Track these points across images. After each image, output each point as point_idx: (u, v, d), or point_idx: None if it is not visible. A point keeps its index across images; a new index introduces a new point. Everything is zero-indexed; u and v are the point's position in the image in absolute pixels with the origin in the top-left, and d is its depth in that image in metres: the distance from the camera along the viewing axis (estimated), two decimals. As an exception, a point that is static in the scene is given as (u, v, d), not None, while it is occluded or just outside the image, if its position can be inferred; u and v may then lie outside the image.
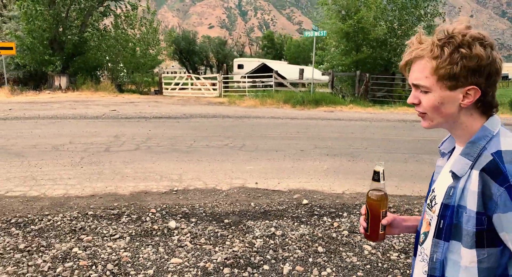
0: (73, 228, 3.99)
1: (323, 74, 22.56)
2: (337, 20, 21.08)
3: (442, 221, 1.06)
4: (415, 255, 1.25)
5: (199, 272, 3.14)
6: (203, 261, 3.31)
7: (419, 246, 1.20)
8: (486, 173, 0.97)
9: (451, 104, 1.04)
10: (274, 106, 16.21)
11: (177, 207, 4.66)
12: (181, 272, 3.14)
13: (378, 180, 1.24)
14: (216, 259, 3.33)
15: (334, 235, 3.84)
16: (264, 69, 28.42)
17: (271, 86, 21.47)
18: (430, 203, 1.15)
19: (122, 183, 5.61)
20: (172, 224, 4.09)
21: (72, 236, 3.81)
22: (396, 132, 9.84)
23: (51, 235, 3.84)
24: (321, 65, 24.59)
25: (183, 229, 3.99)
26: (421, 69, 1.04)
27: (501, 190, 0.95)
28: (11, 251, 3.45)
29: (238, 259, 3.32)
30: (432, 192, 1.16)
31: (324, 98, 16.18)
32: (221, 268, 3.19)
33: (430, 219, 1.14)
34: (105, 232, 3.91)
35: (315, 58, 21.80)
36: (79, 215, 4.34)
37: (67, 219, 4.20)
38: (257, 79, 23.95)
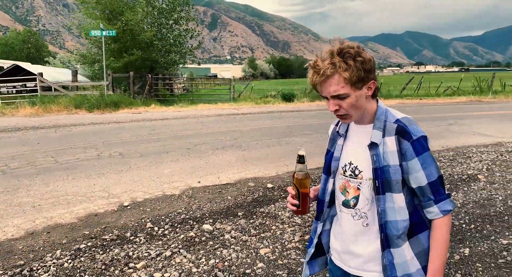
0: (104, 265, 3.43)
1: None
2: (104, 21, 20.41)
3: (376, 181, 1.36)
4: (317, 219, 1.61)
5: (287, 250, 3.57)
6: (276, 245, 3.71)
7: (351, 209, 1.46)
8: (399, 135, 1.35)
9: (362, 99, 1.36)
10: (66, 112, 14.57)
11: (163, 217, 4.49)
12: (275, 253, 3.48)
13: (303, 162, 1.45)
14: (290, 240, 3.78)
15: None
16: (15, 72, 24.05)
17: (30, 90, 18.64)
18: (352, 173, 1.44)
19: (50, 212, 4.70)
20: (208, 227, 4.08)
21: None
22: (232, 125, 11.17)
23: None
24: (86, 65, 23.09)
25: (220, 228, 4.07)
26: (336, 83, 1.30)
27: (408, 144, 1.34)
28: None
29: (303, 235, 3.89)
30: (349, 164, 1.45)
31: (122, 100, 15.73)
32: (297, 245, 3.72)
33: (359, 185, 1.42)
34: (153, 253, 3.57)
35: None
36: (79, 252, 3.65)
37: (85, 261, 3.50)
38: (11, 84, 20.22)
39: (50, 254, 3.61)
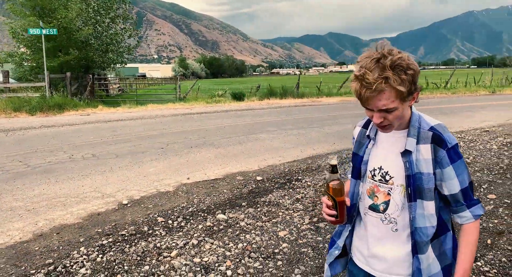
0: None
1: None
2: (35, 18, 19.20)
3: (409, 188, 1.36)
4: (350, 222, 1.56)
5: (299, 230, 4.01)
6: (286, 229, 4.14)
7: (380, 213, 1.44)
8: (435, 144, 1.34)
9: (407, 109, 1.35)
10: (4, 116, 13.62)
11: (169, 211, 4.69)
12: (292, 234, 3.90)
13: (336, 172, 1.40)
14: (301, 222, 4.22)
15: (322, 187, 5.34)
16: None
17: None
18: (382, 178, 1.41)
19: (49, 214, 4.68)
20: (222, 216, 4.36)
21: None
22: (193, 124, 11.30)
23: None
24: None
25: (233, 217, 4.38)
26: (386, 98, 1.25)
27: (444, 152, 1.33)
28: None
29: (312, 219, 4.35)
30: (379, 169, 1.42)
31: (66, 102, 15.00)
32: (305, 228, 4.17)
33: (389, 190, 1.41)
34: (177, 243, 3.79)
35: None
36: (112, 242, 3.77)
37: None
38: None
39: (75, 252, 3.67)
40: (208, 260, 3.42)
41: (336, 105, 16.50)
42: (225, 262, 3.38)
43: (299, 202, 4.82)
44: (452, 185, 1.36)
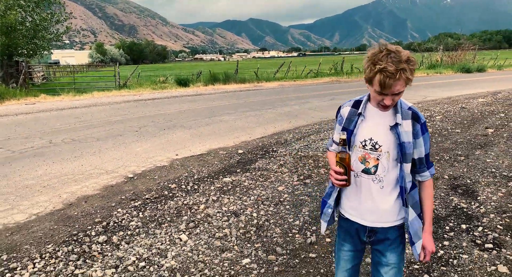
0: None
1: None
2: None
3: (398, 153, 1.74)
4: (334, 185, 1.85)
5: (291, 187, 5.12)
6: (283, 185, 5.22)
7: (372, 175, 1.78)
8: (414, 119, 1.75)
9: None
10: None
11: (177, 180, 5.48)
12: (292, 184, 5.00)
13: (346, 145, 1.74)
14: (291, 180, 5.31)
15: (297, 155, 6.46)
16: None
17: None
18: (373, 147, 1.76)
19: (67, 188, 5.28)
20: (227, 179, 5.29)
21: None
22: (152, 109, 11.76)
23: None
24: None
25: (235, 179, 5.33)
26: (401, 84, 1.60)
27: (419, 126, 1.75)
28: (203, 224, 3.88)
29: (300, 177, 5.46)
30: (370, 140, 1.77)
31: (6, 92, 14.37)
32: (296, 184, 5.29)
33: (378, 156, 1.76)
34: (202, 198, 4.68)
35: None
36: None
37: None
38: None
39: (115, 212, 4.37)
40: (233, 209, 4.36)
41: (278, 89, 17.80)
42: (247, 209, 4.34)
43: (283, 166, 5.89)
44: (421, 151, 1.77)
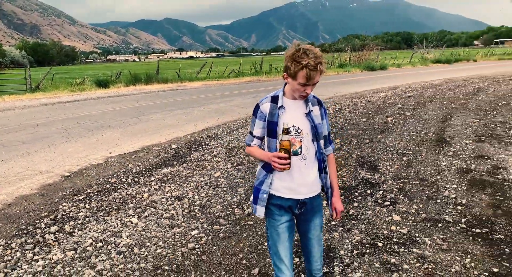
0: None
1: None
2: None
3: (314, 133, 2.06)
4: (268, 171, 2.08)
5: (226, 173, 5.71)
6: (217, 172, 5.79)
7: (299, 155, 2.04)
8: (319, 105, 2.11)
9: None
10: None
11: (115, 175, 5.77)
12: (224, 170, 5.58)
13: (288, 133, 1.99)
14: (226, 168, 5.88)
15: (228, 146, 7.03)
16: None
17: None
18: (296, 132, 2.02)
19: (8, 188, 5.32)
20: (166, 170, 5.69)
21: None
22: (75, 111, 11.48)
23: (131, 201, 4.58)
24: None
25: (173, 170, 5.76)
26: (319, 75, 1.90)
27: (323, 110, 2.12)
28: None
29: (225, 173, 6.05)
30: (293, 127, 2.02)
31: None
32: (231, 171, 5.89)
33: (301, 138, 2.03)
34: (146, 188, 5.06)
35: None
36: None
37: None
38: None
39: (61, 206, 4.56)
40: (176, 194, 4.81)
41: (202, 89, 18.20)
42: (188, 193, 4.82)
43: (217, 157, 6.44)
44: (325, 130, 2.13)
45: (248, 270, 3.10)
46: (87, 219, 4.18)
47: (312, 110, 2.04)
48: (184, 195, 4.76)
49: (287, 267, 2.06)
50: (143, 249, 3.48)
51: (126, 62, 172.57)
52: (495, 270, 2.95)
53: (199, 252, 3.40)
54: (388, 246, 3.36)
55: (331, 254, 3.29)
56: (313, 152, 2.06)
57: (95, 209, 4.44)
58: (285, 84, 2.04)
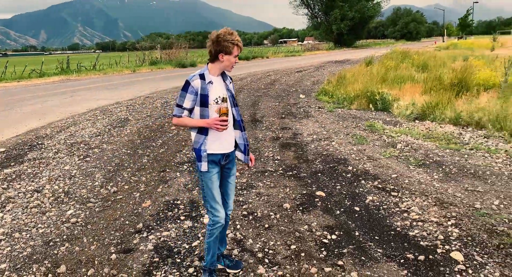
0: None
1: None
2: None
3: (232, 101, 2.68)
4: (204, 134, 2.60)
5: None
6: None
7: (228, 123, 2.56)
8: (231, 79, 2.77)
9: None
10: None
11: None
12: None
13: (225, 101, 2.55)
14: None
15: (66, 143, 7.05)
16: None
17: None
18: (222, 101, 2.54)
19: None
20: (7, 171, 5.54)
21: None
22: None
23: None
24: None
25: (16, 170, 5.66)
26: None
27: (232, 84, 2.80)
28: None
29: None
30: (219, 97, 2.55)
31: None
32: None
33: (227, 105, 2.54)
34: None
35: None
36: None
37: None
38: None
39: None
40: (32, 188, 4.90)
41: (2, 91, 16.12)
42: (45, 186, 4.97)
43: (59, 153, 6.50)
44: (234, 98, 2.75)
45: (134, 225, 3.79)
46: None
47: (230, 83, 2.68)
48: (41, 188, 4.91)
49: (220, 206, 2.66)
50: (24, 233, 3.72)
51: None
52: (304, 192, 4.46)
53: (83, 224, 3.87)
54: (236, 191, 4.52)
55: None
56: (231, 116, 2.65)
57: None
58: (207, 64, 2.61)
